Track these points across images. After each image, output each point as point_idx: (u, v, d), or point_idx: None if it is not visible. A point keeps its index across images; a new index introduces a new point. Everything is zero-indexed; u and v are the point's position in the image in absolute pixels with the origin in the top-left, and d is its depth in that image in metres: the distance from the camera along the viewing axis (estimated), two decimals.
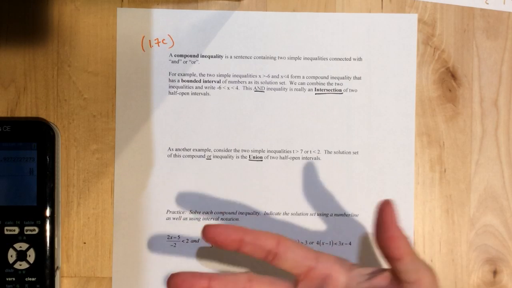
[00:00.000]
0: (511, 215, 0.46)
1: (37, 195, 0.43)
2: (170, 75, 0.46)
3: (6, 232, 0.43)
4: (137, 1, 0.46)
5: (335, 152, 0.46)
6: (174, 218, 0.45)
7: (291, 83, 0.46)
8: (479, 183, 0.46)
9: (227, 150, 0.46)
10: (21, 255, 0.43)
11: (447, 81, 0.46)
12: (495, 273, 0.46)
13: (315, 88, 0.46)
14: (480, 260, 0.46)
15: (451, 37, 0.46)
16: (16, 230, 0.43)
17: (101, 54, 0.46)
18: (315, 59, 0.46)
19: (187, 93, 0.46)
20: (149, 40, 0.46)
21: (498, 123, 0.46)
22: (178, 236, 0.45)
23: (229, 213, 0.46)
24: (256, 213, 0.46)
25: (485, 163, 0.46)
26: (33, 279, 0.43)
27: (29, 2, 0.45)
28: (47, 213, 0.43)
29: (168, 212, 0.45)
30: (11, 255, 0.43)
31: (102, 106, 0.45)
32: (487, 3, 0.46)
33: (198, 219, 0.46)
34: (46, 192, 0.43)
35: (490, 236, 0.46)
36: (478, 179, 0.46)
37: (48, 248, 0.43)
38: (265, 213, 0.46)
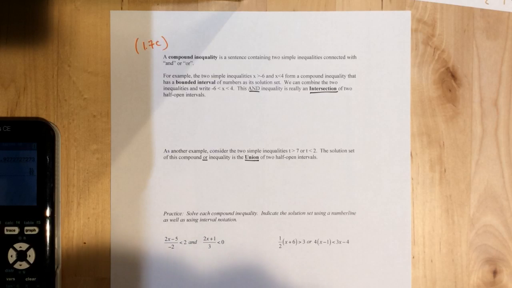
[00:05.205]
0: (511, 215, 0.46)
1: (37, 195, 0.43)
2: (165, 76, 0.46)
3: (6, 232, 0.43)
4: (137, 2, 0.46)
5: (331, 151, 0.46)
6: (171, 220, 0.45)
7: (286, 82, 0.46)
8: (479, 183, 0.46)
9: (223, 151, 0.46)
10: (21, 255, 0.43)
11: (447, 81, 0.46)
12: (495, 273, 0.46)
13: (310, 87, 0.46)
14: (480, 260, 0.46)
15: (451, 37, 0.46)
16: (16, 230, 0.43)
17: (101, 54, 0.46)
18: (309, 58, 0.46)
19: (182, 95, 0.46)
20: (143, 42, 0.46)
21: (498, 123, 0.46)
22: (176, 237, 0.45)
23: (226, 213, 0.46)
24: (253, 213, 0.46)
25: (485, 163, 0.46)
26: (33, 279, 0.43)
27: (29, 2, 0.45)
28: (47, 213, 0.43)
29: (165, 214, 0.45)
30: (11, 255, 0.43)
31: (102, 106, 0.45)
32: (487, 3, 0.46)
33: (196, 220, 0.46)
34: (46, 192, 0.43)
35: (490, 236, 0.46)
36: (478, 179, 0.46)
37: (48, 248, 0.43)
38: (262, 213, 0.46)
